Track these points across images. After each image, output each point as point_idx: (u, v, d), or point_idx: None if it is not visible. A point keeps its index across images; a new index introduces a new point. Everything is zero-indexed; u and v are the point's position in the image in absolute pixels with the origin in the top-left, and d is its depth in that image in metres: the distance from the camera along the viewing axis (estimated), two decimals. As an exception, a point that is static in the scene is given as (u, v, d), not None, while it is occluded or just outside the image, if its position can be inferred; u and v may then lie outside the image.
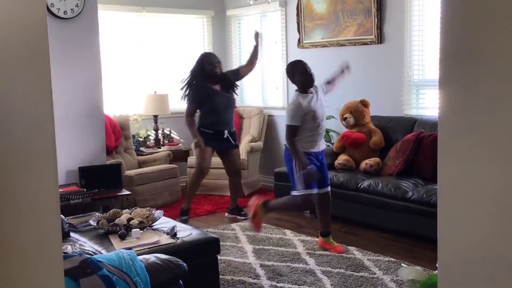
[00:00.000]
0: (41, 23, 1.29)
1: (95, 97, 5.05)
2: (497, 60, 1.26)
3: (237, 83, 5.44)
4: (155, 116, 6.55)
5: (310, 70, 4.19)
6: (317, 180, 4.15)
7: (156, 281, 2.45)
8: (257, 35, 5.40)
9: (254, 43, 5.42)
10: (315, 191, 4.17)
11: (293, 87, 6.56)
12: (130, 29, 6.74)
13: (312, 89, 4.22)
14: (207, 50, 7.36)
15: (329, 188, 4.37)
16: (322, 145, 4.28)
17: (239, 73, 5.39)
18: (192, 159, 6.00)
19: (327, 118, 5.97)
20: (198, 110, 5.25)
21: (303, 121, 4.11)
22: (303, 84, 4.19)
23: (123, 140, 6.14)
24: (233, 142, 5.29)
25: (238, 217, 5.41)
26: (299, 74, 4.19)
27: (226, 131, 5.20)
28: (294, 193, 4.21)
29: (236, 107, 5.56)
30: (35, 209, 1.32)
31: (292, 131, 4.13)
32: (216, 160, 5.62)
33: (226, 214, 5.55)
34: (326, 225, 4.41)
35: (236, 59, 7.43)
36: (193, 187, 5.30)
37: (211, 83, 5.15)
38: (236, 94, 5.41)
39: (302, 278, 3.81)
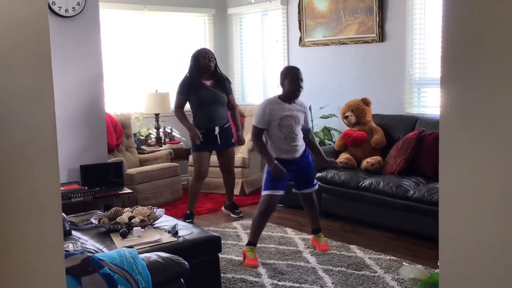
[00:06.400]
0: (43, 21, 1.29)
1: (97, 95, 5.05)
2: (499, 59, 1.26)
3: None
4: (157, 115, 6.55)
5: (301, 81, 4.12)
6: (284, 179, 4.14)
7: (158, 279, 2.46)
8: None
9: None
10: (279, 193, 4.15)
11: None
12: (131, 28, 6.74)
13: (296, 102, 4.18)
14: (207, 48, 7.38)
15: (313, 189, 4.39)
16: (297, 154, 4.22)
17: (228, 97, 5.22)
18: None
19: (328, 117, 6.01)
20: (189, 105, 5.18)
21: (270, 128, 4.12)
22: (288, 92, 4.14)
23: (124, 138, 6.14)
24: (219, 142, 5.16)
25: (232, 214, 5.41)
26: (289, 80, 4.13)
27: (216, 128, 5.12)
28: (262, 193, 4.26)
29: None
30: (36, 208, 1.32)
31: (255, 132, 4.15)
32: (215, 159, 5.58)
33: (222, 208, 5.57)
34: (314, 222, 4.47)
35: (237, 58, 7.43)
36: (194, 192, 5.25)
37: (204, 78, 5.11)
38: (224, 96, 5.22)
39: (303, 276, 3.81)
